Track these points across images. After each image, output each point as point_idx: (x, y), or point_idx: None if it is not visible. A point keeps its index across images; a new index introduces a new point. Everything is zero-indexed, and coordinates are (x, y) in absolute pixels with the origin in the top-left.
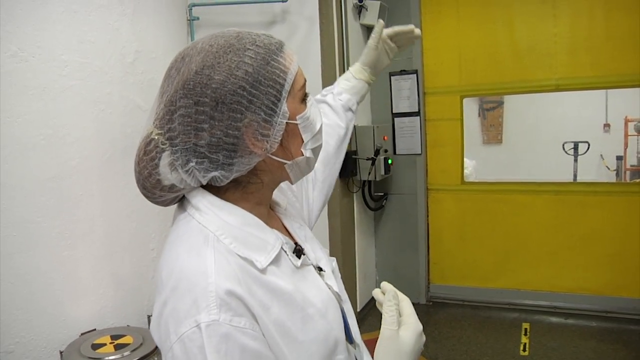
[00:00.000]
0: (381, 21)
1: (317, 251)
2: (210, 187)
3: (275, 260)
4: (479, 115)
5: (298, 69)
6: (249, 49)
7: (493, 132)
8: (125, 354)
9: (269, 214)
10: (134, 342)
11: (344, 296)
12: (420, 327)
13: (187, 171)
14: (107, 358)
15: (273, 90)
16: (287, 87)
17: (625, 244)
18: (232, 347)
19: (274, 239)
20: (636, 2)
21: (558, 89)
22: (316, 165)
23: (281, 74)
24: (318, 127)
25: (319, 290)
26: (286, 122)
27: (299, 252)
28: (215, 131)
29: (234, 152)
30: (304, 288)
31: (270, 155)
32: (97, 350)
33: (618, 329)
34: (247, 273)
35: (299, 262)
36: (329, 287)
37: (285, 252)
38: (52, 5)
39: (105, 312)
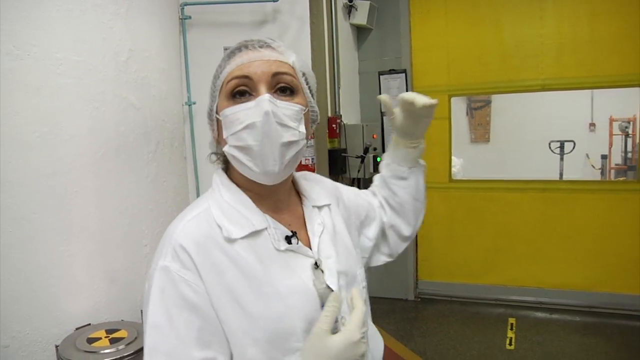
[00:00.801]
0: (383, 97)
1: (335, 254)
2: (227, 170)
3: (252, 237)
4: (467, 114)
5: (237, 67)
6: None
7: (481, 131)
8: (120, 347)
9: (286, 201)
10: (129, 336)
11: (344, 294)
12: (356, 337)
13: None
14: (102, 351)
15: (214, 86)
16: (218, 83)
17: (608, 241)
18: (173, 291)
19: (258, 221)
20: (618, 6)
21: (544, 88)
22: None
23: (219, 73)
24: (238, 128)
25: (293, 276)
26: (215, 116)
27: (288, 238)
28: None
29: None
30: (275, 269)
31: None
32: (93, 344)
33: (601, 323)
34: (212, 239)
35: (282, 246)
36: (317, 283)
37: (270, 234)
38: (47, 4)
39: (99, 307)
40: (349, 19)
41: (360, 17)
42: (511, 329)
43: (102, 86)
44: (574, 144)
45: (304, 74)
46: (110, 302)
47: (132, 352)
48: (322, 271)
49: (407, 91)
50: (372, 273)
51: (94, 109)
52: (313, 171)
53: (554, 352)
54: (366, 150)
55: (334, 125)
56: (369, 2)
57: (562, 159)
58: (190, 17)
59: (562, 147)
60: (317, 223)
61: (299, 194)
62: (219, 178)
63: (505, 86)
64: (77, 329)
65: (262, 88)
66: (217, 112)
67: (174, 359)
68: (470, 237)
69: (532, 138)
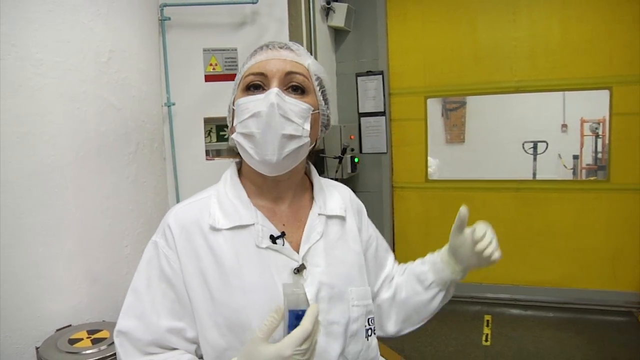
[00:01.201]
0: (463, 210)
1: (325, 265)
2: (241, 163)
3: (237, 230)
4: (442, 115)
5: (253, 65)
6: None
7: (456, 132)
8: (102, 347)
9: (290, 200)
10: (111, 336)
11: (323, 307)
12: (287, 353)
13: None
14: (84, 352)
15: (236, 81)
16: (239, 77)
17: (580, 239)
18: (156, 263)
19: (247, 216)
20: (589, 11)
21: (518, 90)
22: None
23: (241, 69)
24: (246, 116)
25: (263, 274)
26: (232, 106)
27: (273, 238)
28: None
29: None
30: (248, 264)
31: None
32: (75, 345)
33: (574, 318)
34: (198, 225)
35: (263, 244)
36: (291, 286)
37: (256, 231)
38: (27, 4)
39: (80, 308)
40: (327, 21)
41: (338, 19)
42: (487, 325)
43: (83, 86)
44: (547, 144)
45: (318, 78)
46: (91, 303)
47: (114, 352)
48: (305, 278)
49: (383, 93)
50: None
51: (75, 109)
52: None
53: (529, 347)
54: (344, 151)
55: None
56: (346, 4)
57: (535, 159)
58: (169, 18)
59: (535, 147)
60: (316, 231)
61: (311, 199)
62: (230, 171)
63: (480, 88)
64: (57, 330)
65: (274, 83)
66: (233, 104)
67: (143, 323)
68: (445, 235)
69: (506, 139)
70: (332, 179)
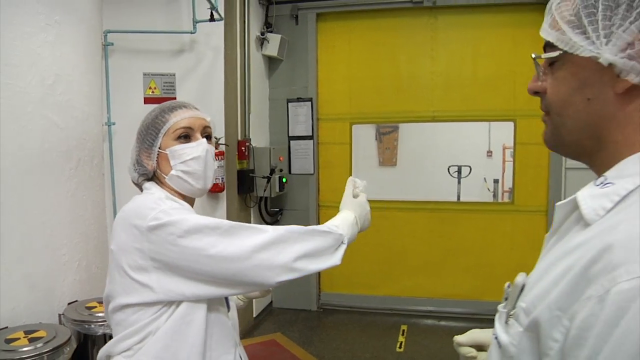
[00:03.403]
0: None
1: None
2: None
3: None
4: (376, 139)
5: (179, 121)
6: (154, 110)
7: (388, 155)
8: (39, 345)
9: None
10: (47, 335)
11: None
12: (364, 199)
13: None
14: (21, 349)
15: (154, 131)
16: (163, 131)
17: (490, 255)
18: (175, 212)
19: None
20: (497, 51)
21: (434, 119)
22: None
23: (161, 123)
24: (188, 158)
25: None
26: (159, 151)
27: None
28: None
29: (138, 163)
30: None
31: (156, 169)
32: (11, 344)
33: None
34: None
35: None
36: None
37: None
38: None
39: (18, 311)
40: (262, 50)
41: (272, 48)
42: (402, 334)
43: (29, 107)
44: (470, 168)
45: (213, 126)
46: (29, 306)
47: (50, 348)
48: None
49: (312, 119)
50: (279, 286)
51: (21, 128)
52: (222, 189)
53: (438, 353)
54: (272, 171)
55: (243, 148)
56: (280, 35)
57: (459, 182)
58: (112, 44)
59: (459, 171)
60: None
61: None
62: (156, 187)
63: (401, 116)
64: None
65: (198, 135)
66: (159, 148)
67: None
68: (368, 252)
69: (435, 163)
70: (261, 197)
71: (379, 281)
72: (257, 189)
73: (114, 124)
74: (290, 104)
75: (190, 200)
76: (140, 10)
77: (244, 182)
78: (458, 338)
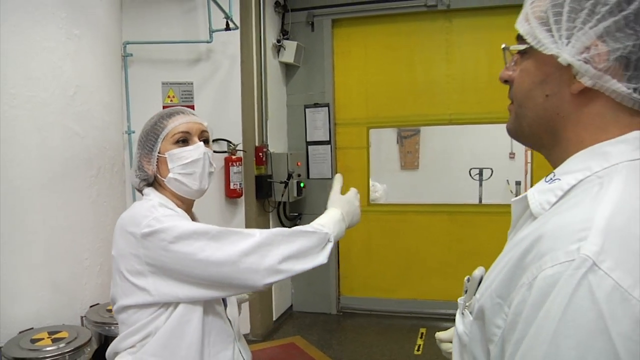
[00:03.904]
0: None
1: None
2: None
3: None
4: (397, 142)
5: (178, 126)
6: (153, 117)
7: (410, 158)
8: (61, 345)
9: (191, 216)
10: (69, 336)
11: None
12: (353, 194)
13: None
14: (45, 349)
15: (153, 136)
16: (162, 136)
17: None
18: (183, 221)
19: (187, 217)
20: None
21: (451, 122)
22: None
23: (160, 129)
24: (186, 161)
25: None
26: (158, 155)
27: None
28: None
29: (139, 168)
30: None
31: (156, 173)
32: (36, 344)
33: None
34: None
35: None
36: None
37: None
38: (3, 45)
39: (43, 313)
40: (278, 57)
41: (288, 55)
42: (421, 337)
43: (51, 117)
44: (492, 171)
45: (210, 130)
46: (53, 309)
47: (72, 348)
48: None
49: (329, 124)
50: (298, 289)
51: (44, 138)
52: (240, 195)
53: None
54: (289, 177)
55: (260, 154)
56: (296, 42)
57: (480, 184)
58: (131, 55)
59: (480, 174)
60: None
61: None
62: (153, 192)
63: (417, 120)
64: (20, 332)
65: (196, 138)
66: (159, 152)
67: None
68: (386, 255)
69: (457, 166)
70: (279, 202)
71: (398, 284)
72: (275, 194)
73: (133, 132)
74: (307, 110)
75: (188, 203)
76: (158, 21)
77: (262, 187)
78: (439, 334)
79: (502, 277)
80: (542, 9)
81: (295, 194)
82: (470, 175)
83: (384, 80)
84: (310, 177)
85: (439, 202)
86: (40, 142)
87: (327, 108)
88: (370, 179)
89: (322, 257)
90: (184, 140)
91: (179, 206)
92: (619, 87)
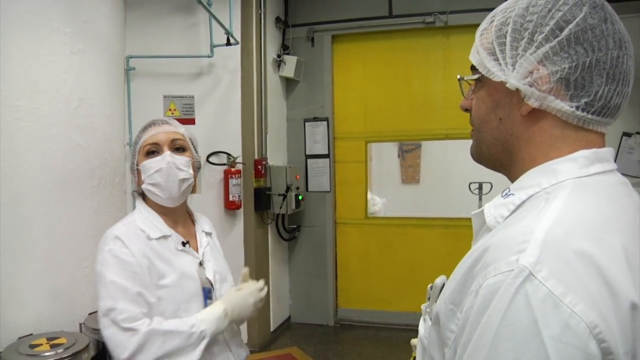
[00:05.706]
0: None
1: (213, 260)
2: (144, 199)
3: (162, 239)
4: (399, 156)
5: (147, 138)
6: None
7: (411, 172)
8: (59, 351)
9: (184, 224)
10: (68, 342)
11: (217, 286)
12: (255, 287)
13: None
14: (43, 354)
15: (133, 150)
16: (137, 148)
17: None
18: (111, 258)
19: (165, 229)
20: None
21: (447, 137)
22: None
23: (137, 143)
24: (151, 172)
25: (186, 267)
26: (137, 167)
27: (183, 243)
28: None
29: (132, 180)
30: (176, 260)
31: (141, 184)
32: (35, 349)
33: None
34: (137, 237)
35: (179, 247)
36: (200, 274)
37: (173, 239)
38: (11, 61)
39: (42, 320)
40: (279, 71)
41: (288, 70)
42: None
43: (54, 129)
44: (491, 185)
45: (190, 138)
46: (52, 316)
47: (70, 354)
48: (204, 268)
49: (328, 138)
50: (296, 301)
51: (46, 148)
52: (239, 207)
53: None
54: (288, 189)
55: (259, 167)
56: (296, 57)
57: (480, 198)
58: (134, 69)
59: (480, 188)
60: (204, 240)
61: (193, 222)
62: (140, 204)
63: (415, 134)
64: (19, 338)
65: (165, 148)
66: (137, 165)
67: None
68: (383, 268)
69: (457, 180)
70: (277, 214)
71: (396, 297)
72: (273, 206)
73: None
74: (307, 124)
75: (173, 210)
76: (160, 36)
77: (261, 199)
78: (413, 341)
79: (454, 285)
80: (488, 40)
81: (293, 207)
82: (470, 189)
83: (382, 95)
84: (309, 189)
85: (438, 216)
86: (43, 152)
87: (326, 122)
88: (368, 193)
89: (196, 354)
90: (153, 152)
91: (163, 213)
92: (563, 106)
